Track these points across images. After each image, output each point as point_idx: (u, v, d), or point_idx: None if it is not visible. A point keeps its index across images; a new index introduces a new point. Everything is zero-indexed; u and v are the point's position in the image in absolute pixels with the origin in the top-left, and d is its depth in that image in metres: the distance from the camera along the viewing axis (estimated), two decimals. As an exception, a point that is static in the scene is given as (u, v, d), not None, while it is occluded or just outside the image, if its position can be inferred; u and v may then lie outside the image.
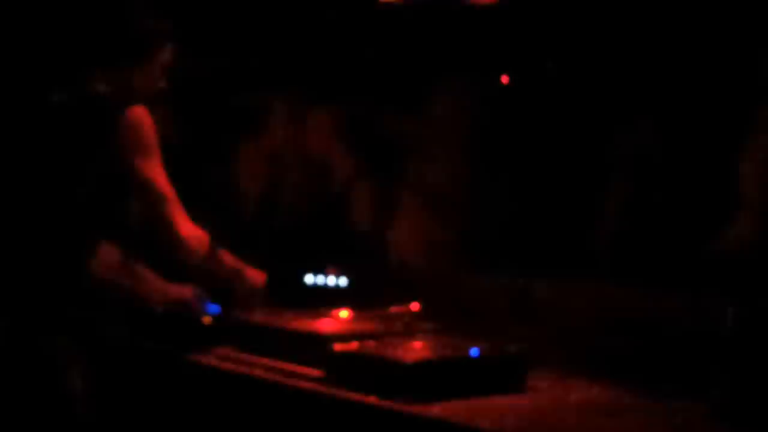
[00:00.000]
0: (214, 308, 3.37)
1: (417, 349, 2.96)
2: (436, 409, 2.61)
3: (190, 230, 3.13)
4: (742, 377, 2.54)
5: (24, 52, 4.01)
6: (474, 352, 2.85)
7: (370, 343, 2.98)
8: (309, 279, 3.63)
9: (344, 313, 3.41)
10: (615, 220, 4.12)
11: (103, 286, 3.08)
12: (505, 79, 4.45)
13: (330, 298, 3.55)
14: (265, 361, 3.11)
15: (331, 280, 3.60)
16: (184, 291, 3.33)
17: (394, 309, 3.41)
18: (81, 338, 3.01)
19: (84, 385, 2.98)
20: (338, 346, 2.93)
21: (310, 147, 4.69)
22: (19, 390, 2.89)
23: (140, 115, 3.00)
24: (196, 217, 3.20)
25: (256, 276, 3.38)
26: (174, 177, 3.13)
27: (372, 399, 2.71)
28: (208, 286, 3.36)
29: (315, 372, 2.94)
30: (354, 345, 2.95)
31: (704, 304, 2.86)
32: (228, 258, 3.30)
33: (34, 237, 2.98)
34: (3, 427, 2.87)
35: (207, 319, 3.35)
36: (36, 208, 2.99)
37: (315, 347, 2.98)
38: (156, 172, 3.04)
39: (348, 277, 3.60)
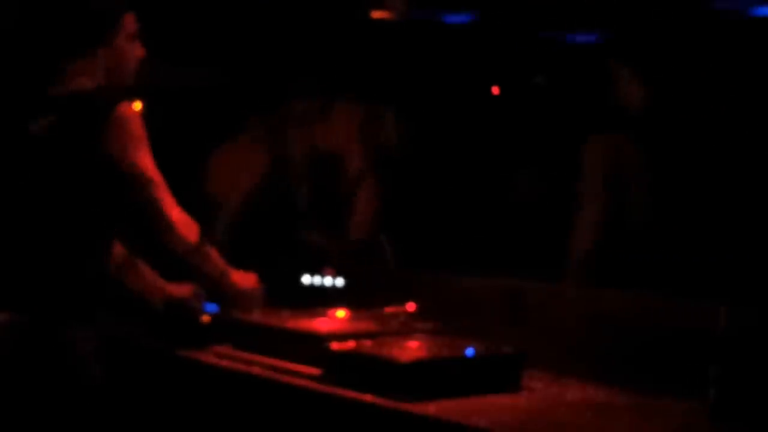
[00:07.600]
0: (212, 307, 3.39)
1: (413, 348, 2.98)
2: (431, 408, 2.63)
3: (180, 215, 3.11)
4: (738, 376, 2.56)
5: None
6: (469, 352, 2.88)
7: (367, 343, 3.00)
8: (306, 279, 3.64)
9: (341, 313, 3.42)
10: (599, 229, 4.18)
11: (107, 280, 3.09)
12: (495, 90, 4.51)
13: (327, 298, 3.56)
14: (263, 359, 3.13)
15: (328, 281, 3.62)
16: (184, 290, 3.36)
17: (390, 309, 3.43)
18: (101, 331, 3.00)
19: (103, 378, 2.97)
20: (336, 345, 2.96)
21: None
22: (40, 384, 2.88)
23: (127, 109, 3.01)
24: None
25: (245, 279, 3.30)
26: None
27: (368, 397, 2.73)
28: (199, 285, 3.38)
29: (312, 370, 2.96)
30: (351, 344, 2.97)
31: (696, 304, 2.88)
32: (216, 256, 3.26)
33: (50, 235, 2.97)
34: (22, 420, 2.87)
35: (205, 318, 3.38)
36: (50, 208, 2.99)
37: (313, 346, 3.00)
38: (145, 160, 3.02)
39: (344, 278, 3.61)
